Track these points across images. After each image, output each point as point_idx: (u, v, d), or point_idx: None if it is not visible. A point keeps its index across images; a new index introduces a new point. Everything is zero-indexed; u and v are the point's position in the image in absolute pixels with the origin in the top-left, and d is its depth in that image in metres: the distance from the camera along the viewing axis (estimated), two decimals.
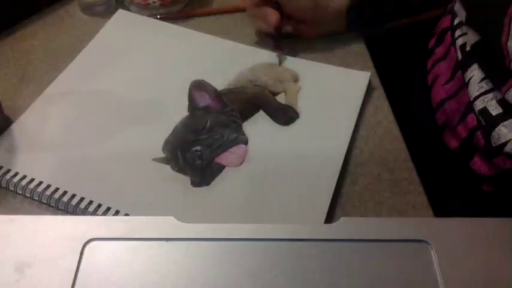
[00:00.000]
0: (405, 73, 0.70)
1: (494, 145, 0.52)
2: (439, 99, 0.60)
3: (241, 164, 0.51)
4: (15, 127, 0.53)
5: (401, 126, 0.55)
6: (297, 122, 0.55)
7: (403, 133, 0.55)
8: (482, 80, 0.53)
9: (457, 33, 0.59)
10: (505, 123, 0.51)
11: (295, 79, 0.59)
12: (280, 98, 0.57)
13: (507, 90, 0.49)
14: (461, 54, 0.57)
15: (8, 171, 0.49)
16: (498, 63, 0.48)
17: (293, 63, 0.60)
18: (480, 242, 0.35)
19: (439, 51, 0.64)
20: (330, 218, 0.48)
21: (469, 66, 0.55)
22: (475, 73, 0.54)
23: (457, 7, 0.56)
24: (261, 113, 0.56)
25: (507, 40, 0.46)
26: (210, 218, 0.47)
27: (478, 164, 0.55)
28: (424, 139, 0.61)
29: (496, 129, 0.51)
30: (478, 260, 0.34)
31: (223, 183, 0.49)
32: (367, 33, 0.66)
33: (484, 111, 0.53)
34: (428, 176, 0.51)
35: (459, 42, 0.58)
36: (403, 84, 0.69)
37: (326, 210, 0.47)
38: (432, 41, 0.66)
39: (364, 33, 0.65)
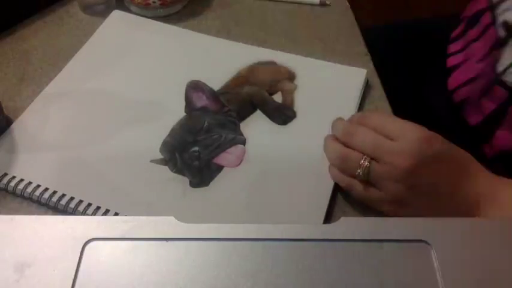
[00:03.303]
0: (405, 72, 0.70)
1: None
2: (467, 78, 0.60)
3: (239, 164, 0.51)
4: (15, 127, 0.53)
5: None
6: (295, 121, 0.55)
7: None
8: None
9: (498, 11, 0.58)
10: None
11: (292, 78, 0.59)
12: (277, 98, 0.57)
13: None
14: (505, 30, 0.56)
15: (8, 174, 0.49)
16: None
17: (289, 60, 0.60)
18: (480, 242, 0.35)
19: (473, 33, 0.63)
20: (329, 218, 0.48)
21: (505, 42, 0.54)
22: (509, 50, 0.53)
23: None
24: (258, 112, 0.56)
25: None
26: (209, 218, 0.47)
27: (501, 137, 0.54)
28: (438, 121, 0.61)
29: None
30: (478, 260, 0.34)
31: (222, 183, 0.49)
32: (367, 33, 0.66)
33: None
34: None
35: (500, 19, 0.57)
36: (402, 82, 0.69)
37: (325, 210, 0.47)
38: (458, 29, 0.65)
39: (364, 33, 0.65)
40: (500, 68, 0.55)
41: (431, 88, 0.68)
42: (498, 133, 0.55)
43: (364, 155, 0.44)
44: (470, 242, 0.35)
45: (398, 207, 0.44)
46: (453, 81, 0.63)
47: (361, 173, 0.44)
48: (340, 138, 0.47)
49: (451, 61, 0.65)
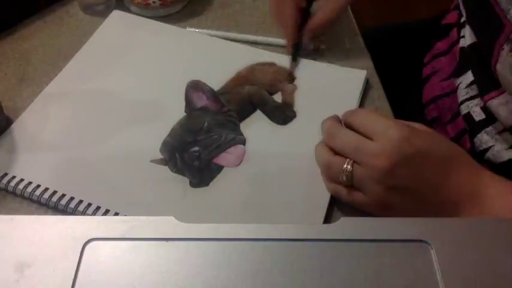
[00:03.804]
0: (404, 72, 0.70)
1: (477, 150, 0.52)
2: (434, 95, 0.60)
3: (239, 164, 0.51)
4: (15, 127, 0.53)
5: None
6: (295, 121, 0.55)
7: None
8: (470, 84, 0.53)
9: (462, 32, 0.58)
10: (487, 129, 0.51)
11: (292, 78, 0.59)
12: (277, 98, 0.57)
13: (490, 99, 0.49)
14: (459, 57, 0.57)
15: (8, 174, 0.49)
16: (488, 70, 0.48)
17: (289, 60, 0.60)
18: (480, 242, 0.35)
19: (441, 45, 0.63)
20: (329, 218, 0.48)
21: (464, 70, 0.55)
22: (466, 76, 0.54)
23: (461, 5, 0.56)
24: (258, 113, 0.56)
25: (496, 62, 0.45)
26: (209, 218, 0.47)
27: None
28: None
29: (479, 135, 0.51)
30: (478, 260, 0.34)
31: (222, 183, 0.49)
32: (367, 33, 0.66)
33: (468, 116, 0.53)
34: None
35: (461, 42, 0.57)
36: (402, 82, 0.69)
37: (325, 210, 0.47)
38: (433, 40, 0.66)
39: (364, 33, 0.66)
40: (460, 95, 0.54)
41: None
42: None
43: (347, 158, 0.44)
44: (470, 242, 0.35)
45: (383, 209, 0.44)
46: (425, 95, 0.63)
47: (344, 178, 0.44)
48: (324, 140, 0.47)
49: (424, 72, 0.64)
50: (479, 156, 0.52)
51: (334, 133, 0.46)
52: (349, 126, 0.46)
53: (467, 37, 0.55)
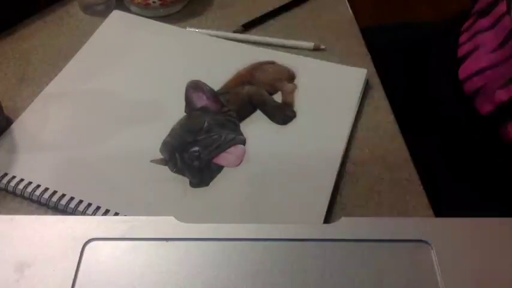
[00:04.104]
0: (404, 72, 0.70)
1: None
2: (478, 67, 0.60)
3: (239, 164, 0.51)
4: (15, 127, 0.53)
5: (402, 120, 0.55)
6: (295, 121, 0.55)
7: (404, 128, 0.54)
8: None
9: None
10: None
11: (292, 78, 0.59)
12: (277, 98, 0.57)
13: None
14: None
15: (8, 174, 0.49)
16: None
17: (289, 60, 0.60)
18: (480, 242, 0.35)
19: (483, 23, 0.63)
20: (329, 218, 0.48)
21: None
22: None
23: None
24: (258, 112, 0.56)
25: None
26: (209, 218, 0.47)
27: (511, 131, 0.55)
28: (448, 113, 0.61)
29: None
30: (478, 260, 0.34)
31: (222, 183, 0.49)
32: (367, 33, 0.66)
33: None
34: (428, 175, 0.51)
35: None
36: (402, 82, 0.69)
37: (325, 209, 0.47)
38: (467, 23, 0.66)
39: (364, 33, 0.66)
40: None
41: (437, 82, 0.68)
42: (510, 126, 0.55)
43: None
44: (470, 242, 0.35)
45: None
46: (464, 70, 0.63)
47: None
48: None
49: (461, 51, 0.65)
50: None
51: None
52: None
53: None
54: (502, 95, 0.56)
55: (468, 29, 0.65)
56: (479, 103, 0.59)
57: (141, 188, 0.49)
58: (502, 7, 0.61)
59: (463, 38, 0.65)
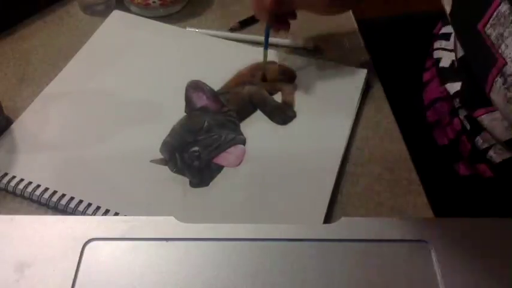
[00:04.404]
0: (404, 72, 0.70)
1: (479, 149, 0.52)
2: (433, 97, 0.61)
3: (239, 164, 0.51)
4: (15, 127, 0.53)
5: (399, 124, 0.56)
6: (295, 121, 0.55)
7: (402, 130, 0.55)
8: (458, 94, 0.54)
9: (441, 43, 0.60)
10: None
11: (292, 78, 0.59)
12: (277, 98, 0.57)
13: (479, 115, 0.50)
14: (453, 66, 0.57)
15: (8, 174, 0.49)
16: (478, 89, 0.48)
17: (289, 61, 0.60)
18: (480, 242, 0.35)
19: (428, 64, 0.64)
20: (329, 218, 0.48)
21: (453, 79, 0.56)
22: (455, 86, 0.55)
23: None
24: (258, 112, 0.56)
25: (490, 91, 0.45)
26: (209, 218, 0.47)
27: (462, 169, 0.56)
28: (416, 136, 0.62)
29: (481, 133, 0.52)
30: (478, 260, 0.34)
31: (222, 183, 0.49)
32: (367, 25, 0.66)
33: (469, 117, 0.53)
34: (428, 175, 0.51)
35: (438, 54, 0.58)
36: (402, 83, 0.69)
37: (325, 209, 0.47)
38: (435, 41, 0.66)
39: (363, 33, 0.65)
40: (456, 102, 0.56)
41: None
42: (460, 164, 0.56)
43: None
44: (470, 242, 0.35)
45: None
46: (425, 98, 0.64)
47: None
48: None
49: (425, 76, 0.66)
50: (481, 155, 0.52)
51: None
52: None
53: (459, 49, 0.55)
54: (449, 133, 0.57)
55: (432, 52, 0.65)
56: (437, 135, 0.61)
57: (141, 188, 0.49)
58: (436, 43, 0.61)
59: (427, 63, 0.65)
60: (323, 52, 0.62)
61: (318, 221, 0.46)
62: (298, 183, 0.49)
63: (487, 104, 0.49)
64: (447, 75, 0.57)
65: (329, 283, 0.33)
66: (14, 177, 0.49)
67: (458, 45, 0.55)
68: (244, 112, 0.56)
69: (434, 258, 0.34)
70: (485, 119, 0.50)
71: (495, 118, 0.49)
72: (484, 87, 0.46)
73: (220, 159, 0.51)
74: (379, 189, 0.50)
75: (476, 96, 0.51)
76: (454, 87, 0.55)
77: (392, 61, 0.70)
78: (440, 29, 0.64)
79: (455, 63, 0.57)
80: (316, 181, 0.49)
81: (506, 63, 0.42)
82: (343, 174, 0.51)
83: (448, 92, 0.57)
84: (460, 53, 0.55)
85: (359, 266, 0.34)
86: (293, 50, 0.63)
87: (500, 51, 0.42)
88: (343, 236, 0.35)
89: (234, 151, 0.52)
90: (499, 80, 0.43)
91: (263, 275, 0.33)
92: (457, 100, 0.55)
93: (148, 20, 0.65)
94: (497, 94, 0.44)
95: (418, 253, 0.34)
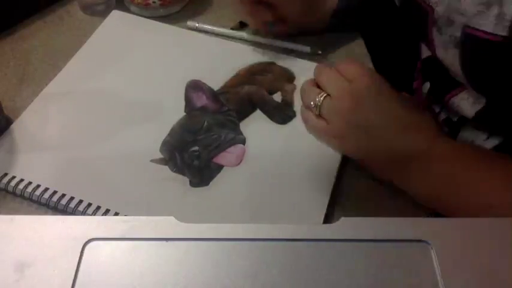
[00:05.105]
0: (404, 72, 0.70)
1: None
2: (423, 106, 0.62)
3: (239, 163, 0.51)
4: (15, 127, 0.53)
5: None
6: (294, 120, 0.55)
7: None
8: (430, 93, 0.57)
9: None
10: (464, 127, 0.53)
11: (291, 79, 0.59)
12: (277, 97, 0.57)
13: (450, 98, 0.52)
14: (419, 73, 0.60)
15: (8, 174, 0.49)
16: (443, 73, 0.51)
17: (288, 62, 0.60)
18: (480, 242, 0.35)
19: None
20: (329, 218, 0.48)
21: (424, 81, 0.58)
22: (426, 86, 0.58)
23: None
24: (258, 112, 0.56)
25: (434, 50, 0.48)
26: (209, 218, 0.47)
27: None
28: None
29: (460, 134, 0.54)
30: (478, 260, 0.34)
31: (222, 183, 0.49)
32: (366, 33, 0.66)
33: (447, 120, 0.55)
34: None
35: None
36: (402, 83, 0.69)
37: (325, 210, 0.47)
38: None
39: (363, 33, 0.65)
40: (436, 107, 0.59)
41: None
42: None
43: (324, 92, 0.47)
44: (470, 242, 0.35)
45: (339, 141, 0.47)
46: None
47: (313, 105, 0.47)
48: (314, 76, 0.50)
49: (414, 85, 0.67)
50: None
51: (322, 71, 0.49)
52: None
53: (423, 51, 0.58)
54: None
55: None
56: None
57: (141, 188, 0.49)
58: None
59: (416, 72, 0.67)
60: (322, 53, 0.62)
61: (318, 221, 0.46)
62: (298, 183, 0.49)
63: (452, 88, 0.52)
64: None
65: (329, 283, 0.33)
66: (14, 177, 0.49)
67: (423, 47, 0.57)
68: (244, 112, 0.56)
69: (434, 258, 0.34)
70: (455, 101, 0.52)
71: (462, 97, 0.51)
72: (433, 51, 0.49)
73: (220, 159, 0.51)
74: (379, 189, 0.50)
75: (443, 87, 0.53)
76: (425, 87, 0.58)
77: (393, 61, 0.70)
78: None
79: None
80: (316, 181, 0.49)
81: (433, 10, 0.44)
82: (343, 174, 0.51)
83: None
84: (424, 54, 0.57)
85: (359, 266, 0.34)
86: (291, 52, 0.63)
87: (427, 1, 0.45)
88: (343, 236, 0.35)
89: (233, 151, 0.52)
90: (434, 30, 0.46)
91: (263, 275, 0.33)
92: (431, 98, 0.57)
93: (148, 20, 0.65)
94: (439, 47, 0.47)
95: (418, 253, 0.34)
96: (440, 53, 0.48)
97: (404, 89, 0.68)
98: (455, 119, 0.54)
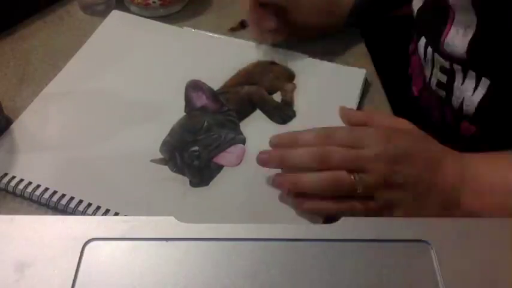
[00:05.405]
0: (404, 72, 0.70)
1: (456, 109, 0.55)
2: (419, 89, 0.64)
3: (239, 163, 0.51)
4: (15, 127, 0.53)
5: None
6: (294, 120, 0.55)
7: None
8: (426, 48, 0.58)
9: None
10: (454, 85, 0.55)
11: (291, 77, 0.59)
12: (277, 97, 0.57)
13: (444, 39, 0.53)
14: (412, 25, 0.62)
15: (8, 174, 0.49)
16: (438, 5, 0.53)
17: (288, 59, 0.60)
18: (480, 242, 0.35)
19: (412, 47, 0.67)
20: (329, 218, 0.48)
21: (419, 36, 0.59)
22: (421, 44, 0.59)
23: None
24: (258, 112, 0.56)
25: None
26: (209, 218, 0.47)
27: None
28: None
29: (453, 95, 0.55)
30: (478, 260, 0.34)
31: (222, 183, 0.49)
32: (366, 33, 0.66)
33: (440, 84, 0.57)
34: None
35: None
36: (402, 83, 0.69)
37: None
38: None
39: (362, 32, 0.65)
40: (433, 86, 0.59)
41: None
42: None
43: (348, 173, 0.44)
44: (470, 242, 0.35)
45: (391, 210, 0.44)
46: (415, 88, 0.67)
47: (360, 188, 0.43)
48: (316, 163, 0.45)
49: (409, 70, 0.68)
50: (459, 114, 0.56)
51: (328, 151, 0.45)
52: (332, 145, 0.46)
53: (415, 5, 0.59)
54: (440, 114, 0.59)
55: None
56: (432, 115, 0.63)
57: (141, 188, 0.49)
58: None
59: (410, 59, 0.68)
60: (322, 51, 0.62)
61: (318, 221, 0.46)
62: None
63: (444, 26, 0.53)
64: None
65: (329, 283, 0.33)
66: (14, 177, 0.49)
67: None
68: (244, 111, 0.56)
69: (434, 258, 0.34)
70: (448, 42, 0.53)
71: (453, 34, 0.52)
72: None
73: (220, 159, 0.51)
74: None
75: (437, 30, 0.54)
76: (421, 43, 0.59)
77: (392, 61, 0.70)
78: None
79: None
80: None
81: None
82: None
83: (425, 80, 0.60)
84: (417, 6, 0.60)
85: (359, 266, 0.34)
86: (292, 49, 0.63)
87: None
88: (343, 236, 0.35)
89: (233, 150, 0.52)
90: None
91: (263, 275, 0.33)
92: (427, 51, 0.58)
93: (148, 20, 0.65)
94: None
95: (418, 253, 0.34)
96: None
97: (404, 89, 0.68)
98: (447, 66, 0.55)
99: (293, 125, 0.54)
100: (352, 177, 0.43)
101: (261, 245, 0.35)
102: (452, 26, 0.52)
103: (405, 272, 0.33)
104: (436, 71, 0.57)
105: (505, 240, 0.35)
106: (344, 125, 0.50)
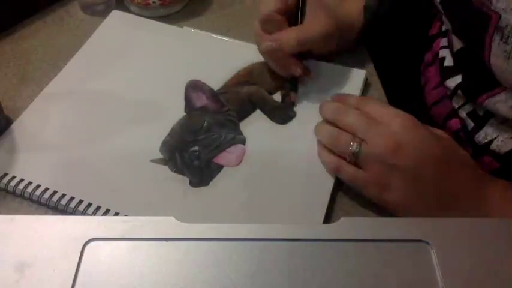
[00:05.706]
0: (404, 72, 0.70)
1: (480, 144, 0.53)
2: (430, 103, 0.61)
3: (239, 163, 0.51)
4: (15, 127, 0.53)
5: None
6: (294, 120, 0.55)
7: None
8: (458, 88, 0.55)
9: (443, 41, 0.60)
10: (490, 122, 0.52)
11: (291, 77, 0.59)
12: (277, 97, 0.57)
13: (484, 100, 0.51)
14: (453, 62, 0.58)
15: (8, 174, 0.49)
16: (480, 71, 0.49)
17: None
18: (480, 242, 0.35)
19: (428, 57, 0.64)
20: (329, 218, 0.48)
21: (454, 74, 0.56)
22: (454, 80, 0.56)
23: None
24: (258, 112, 0.56)
25: (489, 56, 0.46)
26: (209, 218, 0.47)
27: None
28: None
29: (483, 129, 0.53)
30: (478, 260, 0.34)
31: (222, 183, 0.49)
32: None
33: (473, 113, 0.54)
34: None
35: (441, 53, 0.58)
36: (402, 83, 0.69)
37: (325, 210, 0.47)
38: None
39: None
40: (455, 101, 0.57)
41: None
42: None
43: (356, 137, 0.46)
44: (470, 242, 0.35)
45: (381, 190, 0.45)
46: (427, 101, 0.65)
47: (351, 154, 0.46)
48: (332, 117, 0.49)
49: (422, 81, 0.66)
50: (484, 148, 0.53)
51: (343, 111, 0.48)
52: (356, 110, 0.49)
53: (456, 43, 0.55)
54: (454, 124, 0.57)
55: (423, 57, 0.66)
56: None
57: (141, 188, 0.49)
58: (437, 44, 0.61)
59: (422, 67, 0.66)
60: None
61: (318, 221, 0.46)
62: (298, 183, 0.49)
63: (489, 89, 0.50)
64: (448, 73, 0.57)
65: (329, 283, 0.33)
66: (14, 177, 0.49)
67: (455, 39, 0.55)
68: (244, 112, 0.56)
69: (434, 258, 0.34)
70: (489, 103, 0.50)
71: (498, 101, 0.49)
72: (483, 55, 0.46)
73: (220, 159, 0.51)
74: None
75: (478, 85, 0.51)
76: (455, 80, 0.56)
77: (393, 61, 0.70)
78: (438, 29, 0.64)
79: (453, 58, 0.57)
80: (316, 181, 0.49)
81: (500, 16, 0.42)
82: None
83: (446, 93, 0.57)
84: (457, 46, 0.55)
85: (359, 266, 0.34)
86: None
87: (492, 7, 0.43)
88: (343, 236, 0.35)
89: (233, 150, 0.52)
90: (497, 38, 0.44)
91: (263, 275, 0.33)
92: (459, 93, 0.55)
93: (148, 20, 0.65)
94: (496, 55, 0.45)
95: (418, 253, 0.34)
96: (496, 61, 0.45)
97: (404, 89, 0.68)
98: (481, 113, 0.53)
99: (293, 125, 0.54)
100: (352, 142, 0.46)
101: (261, 245, 0.35)
102: (499, 94, 0.49)
103: (405, 272, 0.33)
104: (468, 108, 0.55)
105: (505, 240, 0.35)
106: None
